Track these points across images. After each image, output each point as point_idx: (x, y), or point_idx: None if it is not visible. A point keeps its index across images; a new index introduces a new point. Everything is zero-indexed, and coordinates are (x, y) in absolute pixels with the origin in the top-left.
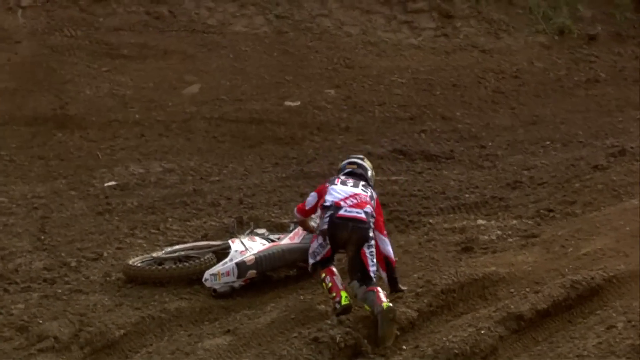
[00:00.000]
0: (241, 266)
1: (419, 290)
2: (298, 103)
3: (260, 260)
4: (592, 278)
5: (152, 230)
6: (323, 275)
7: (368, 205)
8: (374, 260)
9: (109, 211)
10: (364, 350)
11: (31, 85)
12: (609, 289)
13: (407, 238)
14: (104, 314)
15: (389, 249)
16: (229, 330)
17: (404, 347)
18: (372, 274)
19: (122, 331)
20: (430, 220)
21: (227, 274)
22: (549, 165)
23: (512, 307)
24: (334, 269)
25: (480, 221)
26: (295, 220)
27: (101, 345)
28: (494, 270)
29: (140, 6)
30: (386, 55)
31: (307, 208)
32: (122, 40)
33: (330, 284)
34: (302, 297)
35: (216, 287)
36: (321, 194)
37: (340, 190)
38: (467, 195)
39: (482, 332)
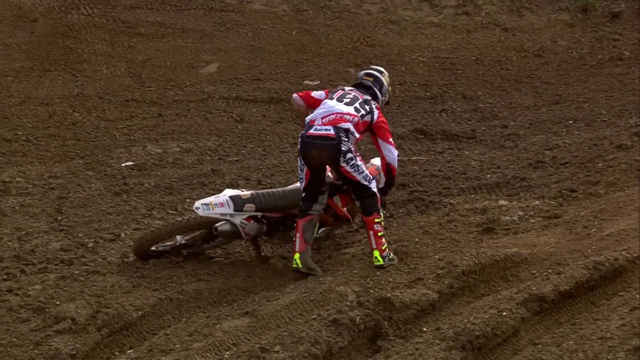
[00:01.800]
0: (236, 199)
1: (439, 271)
2: (317, 82)
3: (257, 196)
4: (616, 259)
5: (170, 211)
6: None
7: (345, 122)
8: (361, 169)
9: (126, 191)
10: (384, 332)
11: (47, 65)
12: (632, 270)
13: (427, 219)
14: (121, 296)
15: (392, 157)
16: (247, 312)
17: (425, 329)
18: (364, 182)
19: (140, 313)
20: (451, 201)
21: (221, 205)
22: (572, 145)
23: (534, 288)
24: (305, 223)
25: (501, 202)
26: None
27: (119, 326)
28: (515, 251)
29: None
30: (406, 33)
31: (311, 94)
32: (139, 18)
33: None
34: (321, 279)
35: (211, 216)
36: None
37: (325, 107)
38: (488, 176)
39: (504, 313)
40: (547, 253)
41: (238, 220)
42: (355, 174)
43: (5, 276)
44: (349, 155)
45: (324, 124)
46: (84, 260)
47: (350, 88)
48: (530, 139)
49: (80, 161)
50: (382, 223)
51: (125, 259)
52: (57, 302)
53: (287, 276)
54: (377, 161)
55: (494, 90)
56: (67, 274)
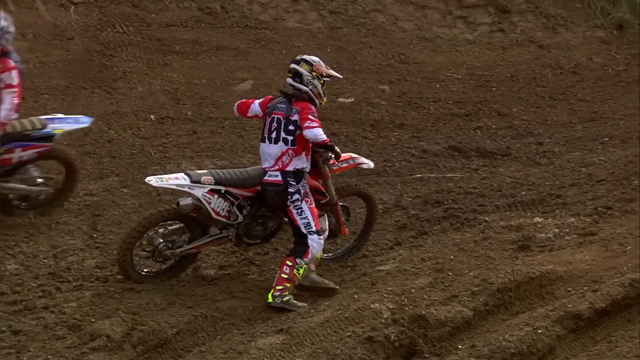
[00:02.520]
0: (191, 173)
1: (474, 289)
2: (352, 99)
3: (215, 172)
4: None
5: None
6: None
7: (289, 164)
8: (304, 214)
9: None
10: (419, 349)
11: (83, 82)
12: None
13: (462, 236)
14: (156, 313)
15: (313, 135)
16: (282, 329)
17: (460, 346)
18: (303, 230)
19: (175, 330)
20: (486, 218)
21: (176, 178)
22: (607, 162)
23: (569, 306)
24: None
25: (537, 219)
26: None
27: (154, 344)
28: (551, 268)
29: (193, 2)
30: (441, 50)
31: (246, 103)
32: (174, 36)
33: None
34: (356, 296)
35: (165, 187)
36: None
37: (263, 153)
38: (523, 193)
39: (539, 331)
40: (582, 270)
41: (199, 192)
42: (297, 218)
43: (41, 293)
44: (296, 196)
45: (273, 170)
46: (119, 277)
47: (277, 100)
48: (566, 156)
49: (116, 178)
50: (298, 272)
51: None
52: (93, 320)
53: (323, 293)
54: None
55: (529, 107)
56: (103, 291)
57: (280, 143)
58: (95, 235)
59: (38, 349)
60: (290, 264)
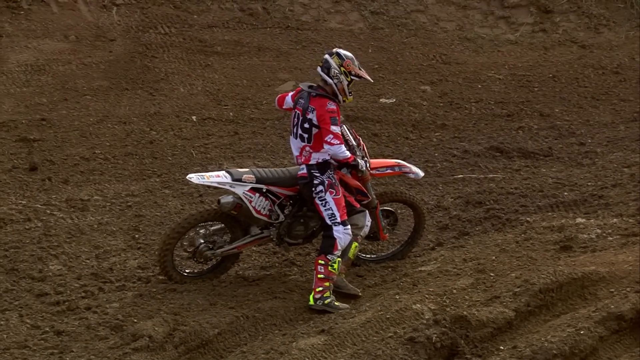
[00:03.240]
0: (233, 171)
1: (516, 289)
2: (393, 100)
3: (257, 171)
4: None
5: None
6: None
7: (310, 158)
8: (328, 205)
9: None
10: (461, 350)
11: (125, 84)
12: None
13: (504, 237)
14: (198, 313)
15: (333, 154)
16: (323, 330)
17: (502, 347)
18: (328, 221)
19: (216, 330)
20: (528, 219)
21: (217, 176)
22: None
23: (612, 307)
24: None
25: (579, 219)
26: None
27: (195, 344)
28: (593, 269)
29: (234, 3)
30: (483, 51)
31: (282, 96)
32: (216, 37)
33: None
34: (397, 297)
35: (206, 184)
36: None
37: (292, 145)
38: (565, 194)
39: (582, 332)
40: (625, 271)
41: (240, 190)
42: (321, 209)
43: (83, 294)
44: (319, 188)
45: (300, 164)
46: (161, 278)
47: (300, 94)
48: (608, 157)
49: (158, 179)
50: (333, 267)
51: (202, 277)
52: (135, 320)
53: (364, 294)
54: None
55: (571, 107)
56: (145, 292)
57: (299, 139)
58: (137, 236)
59: (81, 349)
60: (322, 262)
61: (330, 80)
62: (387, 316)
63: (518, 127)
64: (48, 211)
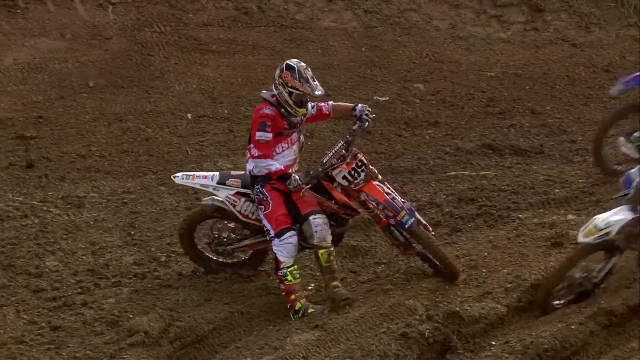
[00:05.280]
0: (223, 173)
1: (508, 285)
2: (387, 98)
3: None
4: None
5: None
6: None
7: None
8: (262, 219)
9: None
10: (453, 345)
11: (121, 82)
12: None
13: (496, 233)
14: (193, 309)
15: (258, 170)
16: (317, 326)
17: (493, 342)
18: (268, 237)
19: (211, 326)
20: (520, 216)
21: (204, 177)
22: None
23: (602, 302)
24: None
25: (570, 216)
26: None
27: (191, 340)
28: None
29: (229, 2)
30: (475, 49)
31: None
32: (211, 35)
33: None
34: (391, 293)
35: (188, 185)
36: None
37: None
38: (557, 190)
39: (573, 327)
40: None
41: (223, 194)
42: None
43: (79, 290)
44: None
45: None
46: (156, 274)
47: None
48: None
49: (153, 176)
50: (287, 280)
51: (197, 273)
52: (131, 316)
53: (357, 291)
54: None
55: (562, 105)
56: (140, 288)
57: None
58: (132, 233)
59: (77, 344)
60: (278, 280)
61: (275, 91)
62: (381, 312)
63: (510, 124)
64: (44, 208)
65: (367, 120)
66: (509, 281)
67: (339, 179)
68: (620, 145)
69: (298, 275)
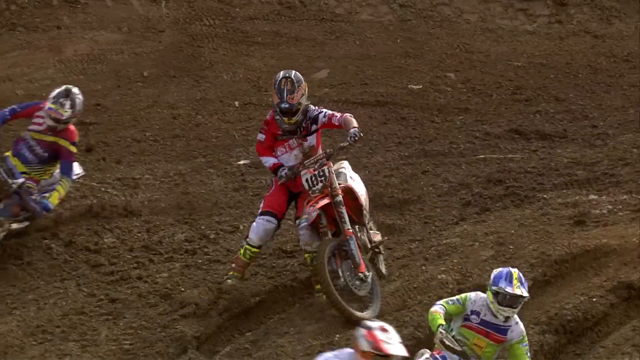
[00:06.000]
0: None
1: (533, 261)
2: (420, 86)
3: None
4: None
5: None
6: None
7: None
8: None
9: (244, 187)
10: None
11: (173, 71)
12: None
13: (522, 212)
14: (240, 283)
15: None
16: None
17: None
18: None
19: (257, 299)
20: (545, 196)
21: None
22: None
23: (622, 276)
24: None
25: (592, 196)
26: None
27: (238, 311)
28: (605, 242)
29: None
30: (503, 41)
31: None
32: (257, 28)
33: None
34: (424, 268)
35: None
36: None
37: None
38: (579, 172)
39: (594, 299)
40: (634, 244)
41: None
42: None
43: (135, 265)
44: None
45: None
46: (206, 250)
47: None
48: (619, 138)
49: (203, 159)
50: (239, 252)
51: None
52: (182, 289)
53: (393, 266)
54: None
55: (584, 92)
56: (191, 263)
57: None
58: (184, 212)
59: (133, 315)
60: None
61: None
62: (414, 285)
63: (535, 111)
64: (102, 189)
65: (349, 142)
66: (534, 257)
67: (302, 180)
68: None
69: (249, 257)
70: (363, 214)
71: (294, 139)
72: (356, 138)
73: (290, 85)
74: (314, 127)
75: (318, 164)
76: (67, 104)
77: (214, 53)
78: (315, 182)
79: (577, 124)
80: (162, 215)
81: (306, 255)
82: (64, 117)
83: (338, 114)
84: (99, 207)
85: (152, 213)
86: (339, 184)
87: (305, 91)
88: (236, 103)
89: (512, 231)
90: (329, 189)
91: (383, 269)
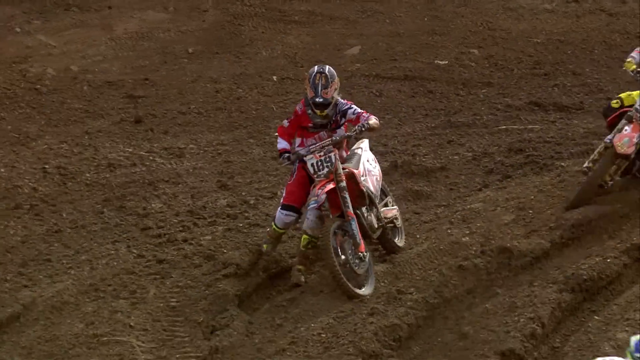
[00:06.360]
0: None
1: (552, 224)
2: (446, 62)
3: None
4: None
5: None
6: None
7: None
8: None
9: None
10: (504, 276)
11: (216, 48)
12: None
13: (541, 179)
14: (281, 246)
15: None
16: (385, 259)
17: (536, 274)
18: None
19: (294, 259)
20: (562, 164)
21: None
22: None
23: (634, 239)
24: None
25: None
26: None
27: (276, 271)
28: (619, 207)
29: None
30: (523, 19)
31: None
32: (293, 8)
33: None
34: (449, 231)
35: None
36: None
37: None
38: (595, 142)
39: (608, 260)
40: None
41: None
42: None
43: (181, 228)
44: None
45: None
46: (246, 214)
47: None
48: None
49: (244, 130)
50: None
51: None
52: (224, 251)
53: (420, 229)
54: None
55: (600, 67)
56: (233, 227)
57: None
58: (226, 179)
59: (179, 275)
60: None
61: None
62: (440, 247)
63: (554, 84)
64: (150, 157)
65: (355, 131)
66: (552, 221)
67: (308, 165)
68: None
69: (278, 233)
70: (364, 199)
71: (324, 132)
72: (362, 129)
73: (324, 80)
74: (342, 120)
75: (324, 150)
76: None
77: (254, 31)
78: (320, 167)
79: (593, 97)
80: (205, 182)
81: (304, 236)
82: None
83: (366, 114)
84: (147, 174)
85: (197, 180)
86: (343, 169)
87: (337, 86)
88: (274, 77)
89: (532, 197)
90: (334, 174)
91: (400, 243)
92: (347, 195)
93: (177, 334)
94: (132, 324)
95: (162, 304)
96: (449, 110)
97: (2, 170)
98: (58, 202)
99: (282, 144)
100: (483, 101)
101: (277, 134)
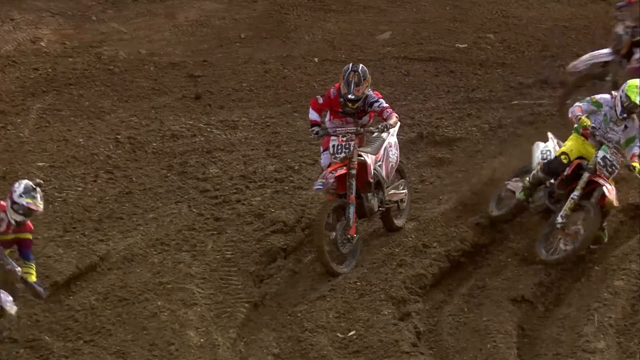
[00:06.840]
0: None
1: None
2: (465, 45)
3: None
4: None
5: None
6: None
7: None
8: None
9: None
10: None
11: (264, 34)
12: None
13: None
14: (318, 205)
15: None
16: (413, 217)
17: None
18: None
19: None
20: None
21: None
22: None
23: (630, 199)
24: None
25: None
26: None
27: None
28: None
29: None
30: (533, 7)
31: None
32: None
33: None
34: (469, 192)
35: None
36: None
37: None
38: None
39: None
40: None
41: None
42: None
43: (235, 190)
44: None
45: None
46: (291, 179)
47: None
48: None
49: (289, 105)
50: None
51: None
52: (272, 210)
53: (442, 191)
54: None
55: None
56: (279, 189)
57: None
58: (273, 148)
59: (233, 231)
60: None
61: None
62: (460, 208)
63: (559, 64)
64: (208, 129)
65: (378, 129)
66: None
67: (330, 144)
68: None
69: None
70: (370, 187)
71: (352, 118)
72: (384, 130)
73: (357, 78)
74: (369, 109)
75: (347, 136)
76: (39, 195)
77: (298, 19)
78: (339, 151)
79: None
80: (256, 150)
81: None
82: (42, 209)
83: (389, 110)
84: (205, 143)
85: (248, 149)
86: (359, 156)
87: (369, 83)
88: (315, 59)
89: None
90: (349, 161)
91: (399, 222)
92: (354, 182)
93: (232, 282)
94: (192, 273)
95: (218, 256)
96: (468, 88)
97: (81, 140)
98: (129, 167)
99: (313, 115)
100: (498, 79)
101: (310, 105)
